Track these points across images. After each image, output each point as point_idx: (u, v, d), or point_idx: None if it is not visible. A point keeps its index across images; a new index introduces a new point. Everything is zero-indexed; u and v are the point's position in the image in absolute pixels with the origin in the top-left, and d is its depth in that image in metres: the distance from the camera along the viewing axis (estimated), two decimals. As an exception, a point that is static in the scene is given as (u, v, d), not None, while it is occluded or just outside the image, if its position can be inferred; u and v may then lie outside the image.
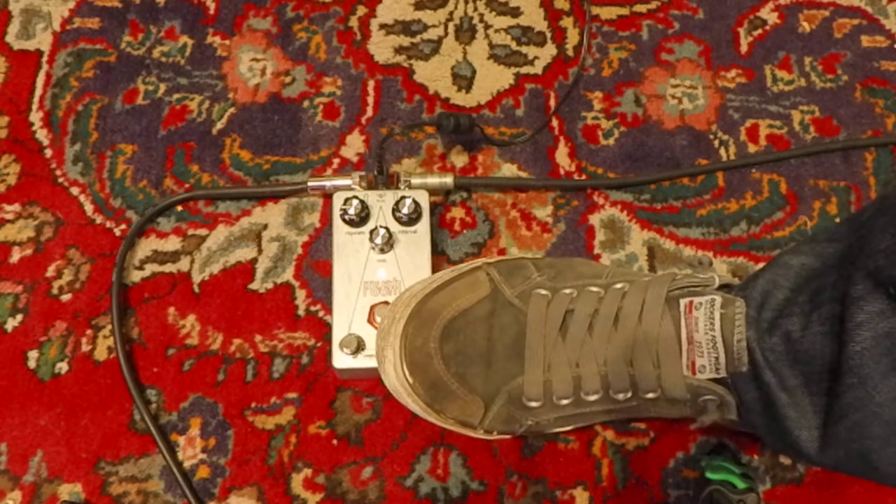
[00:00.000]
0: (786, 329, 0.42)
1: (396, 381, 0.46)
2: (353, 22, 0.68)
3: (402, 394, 0.47)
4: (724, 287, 0.48)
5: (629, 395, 0.46)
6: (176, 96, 0.64)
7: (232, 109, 0.64)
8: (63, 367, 0.56)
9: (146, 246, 0.59)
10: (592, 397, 0.46)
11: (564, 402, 0.47)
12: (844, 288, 0.40)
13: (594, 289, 0.48)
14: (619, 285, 0.47)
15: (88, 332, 0.57)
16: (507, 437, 0.50)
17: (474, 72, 0.66)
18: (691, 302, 0.45)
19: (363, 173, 0.58)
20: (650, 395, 0.46)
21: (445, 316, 0.46)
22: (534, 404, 0.47)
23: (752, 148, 0.64)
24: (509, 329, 0.47)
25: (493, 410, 0.47)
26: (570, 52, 0.67)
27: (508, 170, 0.63)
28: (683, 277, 0.47)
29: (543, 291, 0.48)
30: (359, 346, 0.52)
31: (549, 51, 0.67)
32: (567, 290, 0.48)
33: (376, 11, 0.68)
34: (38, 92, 0.64)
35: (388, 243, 0.54)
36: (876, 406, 0.39)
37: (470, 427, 0.48)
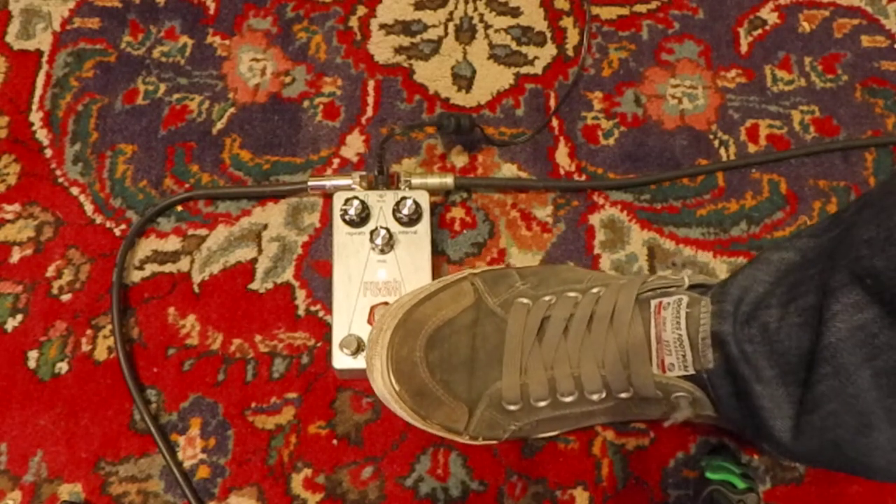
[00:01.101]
0: (763, 320, 0.43)
1: (384, 388, 0.47)
2: (353, 22, 0.68)
3: (390, 401, 0.48)
4: (699, 287, 0.49)
5: (603, 395, 0.47)
6: (176, 96, 0.64)
7: (232, 109, 0.64)
8: (63, 367, 0.56)
9: (146, 246, 0.59)
10: (568, 399, 0.47)
11: (541, 404, 0.48)
12: (823, 280, 0.41)
13: (572, 294, 0.49)
14: (595, 289, 0.49)
15: (88, 332, 0.57)
16: (493, 442, 0.50)
17: (474, 72, 0.66)
18: (660, 302, 0.46)
19: (363, 173, 0.58)
20: (623, 395, 0.47)
21: (431, 326, 0.48)
22: (512, 408, 0.48)
23: (752, 148, 0.64)
24: (491, 337, 0.48)
25: (477, 416, 0.48)
26: (570, 52, 0.67)
27: (508, 170, 0.63)
28: (655, 279, 0.49)
29: (525, 300, 0.49)
30: (359, 347, 0.52)
31: (549, 51, 0.67)
32: (547, 298, 0.49)
33: (376, 11, 0.68)
34: (38, 92, 0.64)
35: (389, 244, 0.54)
36: (849, 397, 0.40)
37: (455, 433, 0.49)
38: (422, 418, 0.48)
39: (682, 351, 0.45)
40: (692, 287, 0.48)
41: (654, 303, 0.47)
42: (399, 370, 0.47)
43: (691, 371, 0.45)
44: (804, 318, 0.41)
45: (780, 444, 0.44)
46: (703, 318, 0.45)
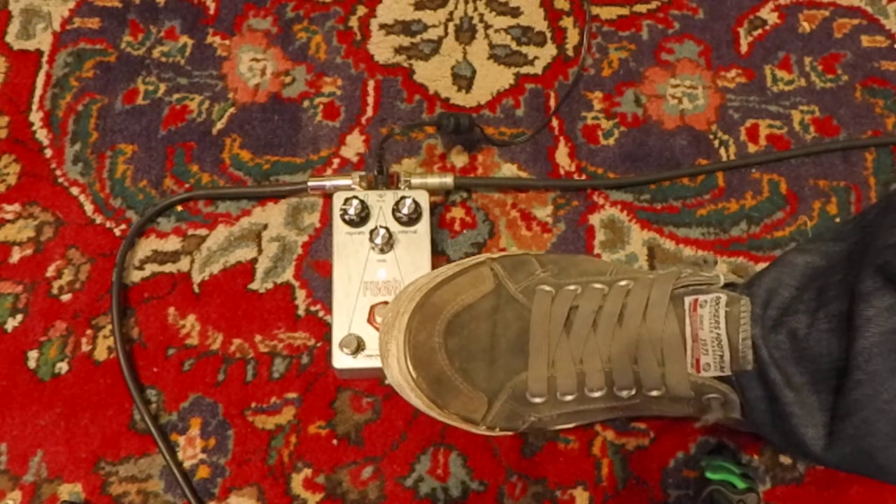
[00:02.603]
0: (791, 327, 0.42)
1: (400, 375, 0.46)
2: (353, 22, 0.68)
3: (406, 388, 0.46)
4: (729, 286, 0.47)
5: (633, 392, 0.46)
6: (176, 96, 0.64)
7: (232, 109, 0.64)
8: (63, 367, 0.56)
9: (146, 246, 0.59)
10: (596, 394, 0.46)
11: (568, 398, 0.47)
12: (851, 285, 0.40)
13: (598, 286, 0.47)
14: (623, 282, 0.47)
15: (88, 332, 0.57)
16: (509, 433, 0.50)
17: (474, 72, 0.66)
18: (696, 300, 0.45)
19: (363, 173, 0.58)
20: (654, 393, 0.46)
21: (450, 311, 0.46)
22: (537, 400, 0.47)
23: (752, 148, 0.64)
24: (513, 325, 0.47)
25: (496, 406, 0.47)
26: (570, 52, 0.67)
27: (508, 170, 0.63)
28: (688, 275, 0.47)
29: (547, 287, 0.48)
30: (359, 346, 0.52)
31: (549, 51, 0.67)
32: (571, 287, 0.48)
33: (376, 11, 0.68)
34: (38, 92, 0.64)
35: (388, 243, 0.54)
36: (883, 403, 0.39)
37: (472, 423, 0.48)
38: (438, 407, 0.46)
39: (719, 351, 0.44)
40: (724, 285, 0.47)
41: (688, 300, 0.45)
42: (416, 356, 0.45)
43: (727, 372, 0.44)
44: (833, 325, 0.41)
45: (810, 452, 0.43)
46: (743, 318, 0.44)
